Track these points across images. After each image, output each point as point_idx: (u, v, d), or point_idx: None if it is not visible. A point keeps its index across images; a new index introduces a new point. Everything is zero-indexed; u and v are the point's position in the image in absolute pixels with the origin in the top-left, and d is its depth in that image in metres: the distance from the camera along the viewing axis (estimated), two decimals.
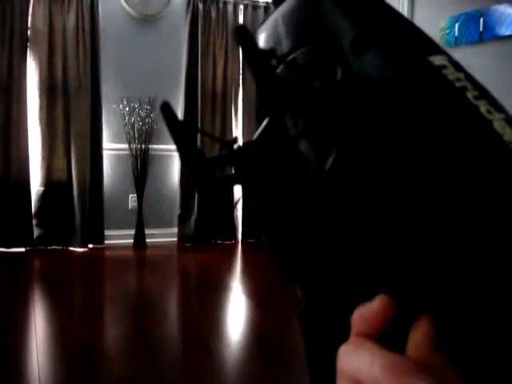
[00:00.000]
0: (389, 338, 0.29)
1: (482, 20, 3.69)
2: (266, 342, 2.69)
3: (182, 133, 0.36)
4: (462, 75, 0.32)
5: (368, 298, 0.30)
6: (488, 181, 0.28)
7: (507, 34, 3.50)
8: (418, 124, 0.31)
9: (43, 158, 4.36)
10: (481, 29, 3.71)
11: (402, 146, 0.31)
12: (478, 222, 0.28)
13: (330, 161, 0.34)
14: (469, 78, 0.32)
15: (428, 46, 0.34)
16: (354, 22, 0.36)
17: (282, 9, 0.42)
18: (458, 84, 0.31)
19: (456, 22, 3.91)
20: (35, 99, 4.33)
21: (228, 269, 4.27)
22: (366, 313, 0.30)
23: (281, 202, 0.39)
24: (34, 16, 4.27)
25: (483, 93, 0.31)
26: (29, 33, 4.28)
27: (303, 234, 0.37)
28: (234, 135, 4.92)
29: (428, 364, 0.27)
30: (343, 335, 0.31)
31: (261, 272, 4.12)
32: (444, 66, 0.32)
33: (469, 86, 0.31)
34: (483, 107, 0.30)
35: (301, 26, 0.40)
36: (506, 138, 0.29)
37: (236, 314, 3.25)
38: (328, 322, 0.37)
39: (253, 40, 0.35)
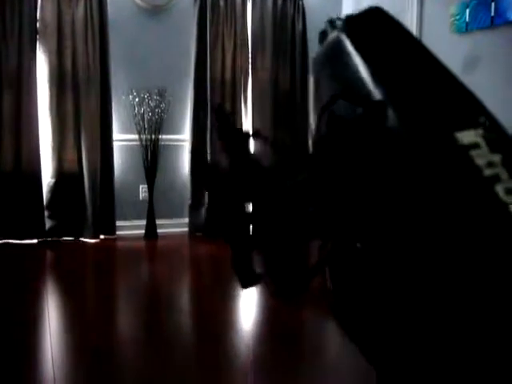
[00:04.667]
0: None
1: (493, 4, 3.66)
2: (280, 331, 2.68)
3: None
4: (497, 158, 0.23)
5: None
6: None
7: None
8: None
9: (54, 149, 4.37)
10: (492, 13, 3.68)
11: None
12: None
13: None
14: (508, 161, 0.22)
15: (462, 115, 0.25)
16: (380, 80, 0.30)
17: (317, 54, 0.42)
18: (487, 172, 0.23)
19: (467, 7, 3.88)
20: (45, 91, 4.34)
21: None
22: None
23: None
24: (43, 8, 4.28)
25: None
26: (38, 25, 4.29)
27: None
28: (243, 125, 4.91)
29: None
30: None
31: None
32: (474, 145, 0.24)
33: (503, 174, 0.22)
34: None
35: (330, 77, 0.39)
36: None
37: (248, 303, 3.24)
38: None
39: (229, 119, 0.37)
